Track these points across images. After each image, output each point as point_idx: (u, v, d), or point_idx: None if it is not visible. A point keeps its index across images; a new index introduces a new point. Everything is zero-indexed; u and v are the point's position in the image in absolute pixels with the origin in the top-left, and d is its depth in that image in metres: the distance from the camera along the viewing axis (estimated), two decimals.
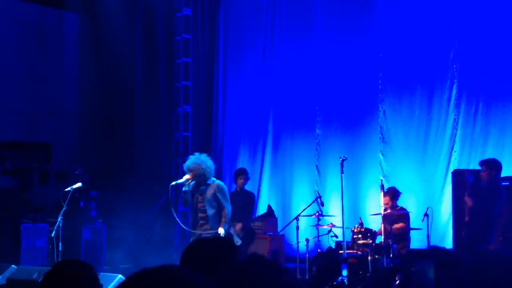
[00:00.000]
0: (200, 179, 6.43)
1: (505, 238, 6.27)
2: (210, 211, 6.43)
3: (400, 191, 7.50)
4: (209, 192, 6.46)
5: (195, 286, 1.21)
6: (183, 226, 7.27)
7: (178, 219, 7.20)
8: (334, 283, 6.02)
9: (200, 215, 6.50)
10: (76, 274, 2.16)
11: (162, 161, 10.30)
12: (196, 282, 1.20)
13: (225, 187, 6.62)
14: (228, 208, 6.47)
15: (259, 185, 9.75)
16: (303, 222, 7.81)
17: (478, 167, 6.90)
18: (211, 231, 6.37)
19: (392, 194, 7.41)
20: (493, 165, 6.36)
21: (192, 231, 6.57)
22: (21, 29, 10.21)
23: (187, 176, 6.46)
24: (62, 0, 10.33)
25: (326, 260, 5.61)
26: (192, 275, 1.21)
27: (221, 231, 6.38)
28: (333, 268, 5.62)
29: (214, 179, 6.55)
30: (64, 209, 7.04)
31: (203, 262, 1.96)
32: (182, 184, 6.62)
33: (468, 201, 6.49)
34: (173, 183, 6.81)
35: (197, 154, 6.56)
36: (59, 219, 7.04)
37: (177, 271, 1.22)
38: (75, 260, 2.28)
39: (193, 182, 6.49)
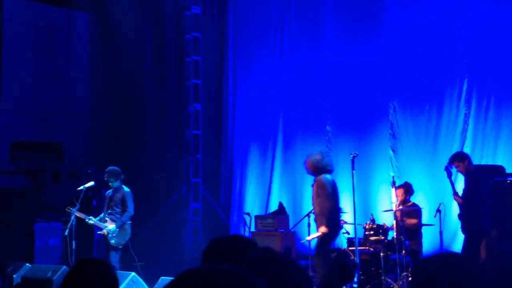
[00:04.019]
0: (309, 173, 6.29)
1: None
2: (315, 210, 6.24)
3: (414, 189, 7.50)
4: (313, 189, 6.25)
5: None
6: None
7: None
8: None
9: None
10: (97, 273, 2.20)
11: (173, 159, 10.33)
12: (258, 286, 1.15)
13: (325, 181, 6.14)
14: (322, 205, 6.08)
15: (270, 182, 9.76)
16: None
17: (491, 163, 6.89)
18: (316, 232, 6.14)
19: (407, 188, 7.41)
20: (462, 157, 6.82)
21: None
22: (31, 29, 10.28)
23: None
24: (72, 0, 10.39)
25: (338, 265, 5.58)
26: (255, 280, 1.16)
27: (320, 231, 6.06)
28: (345, 274, 5.60)
29: (325, 175, 6.20)
30: (77, 207, 7.11)
31: (226, 261, 1.97)
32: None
33: (457, 199, 6.87)
34: None
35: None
36: (72, 217, 7.11)
37: (240, 273, 1.16)
38: (95, 259, 2.31)
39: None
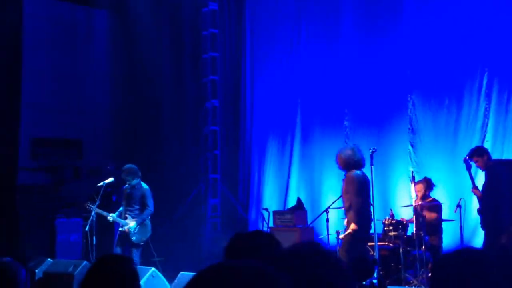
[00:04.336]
0: (340, 168, 6.20)
1: None
2: (344, 205, 6.12)
3: (434, 184, 7.44)
4: (343, 184, 6.13)
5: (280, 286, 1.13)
6: None
7: None
8: (364, 283, 5.98)
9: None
10: (118, 269, 2.22)
11: (191, 156, 10.39)
12: (281, 283, 1.15)
13: (355, 177, 6.00)
14: (351, 201, 5.93)
15: (288, 178, 9.74)
16: (333, 214, 7.77)
17: None
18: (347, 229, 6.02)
19: (427, 183, 7.35)
20: (481, 152, 6.80)
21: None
22: (51, 26, 10.39)
23: None
24: None
25: (360, 260, 5.52)
26: (276, 275, 1.15)
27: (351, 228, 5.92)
28: (366, 269, 5.55)
29: (356, 170, 6.05)
30: (97, 203, 7.19)
31: (248, 257, 1.97)
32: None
33: (476, 192, 6.81)
34: None
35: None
36: (92, 213, 7.20)
37: (262, 268, 1.14)
38: (116, 255, 2.34)
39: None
